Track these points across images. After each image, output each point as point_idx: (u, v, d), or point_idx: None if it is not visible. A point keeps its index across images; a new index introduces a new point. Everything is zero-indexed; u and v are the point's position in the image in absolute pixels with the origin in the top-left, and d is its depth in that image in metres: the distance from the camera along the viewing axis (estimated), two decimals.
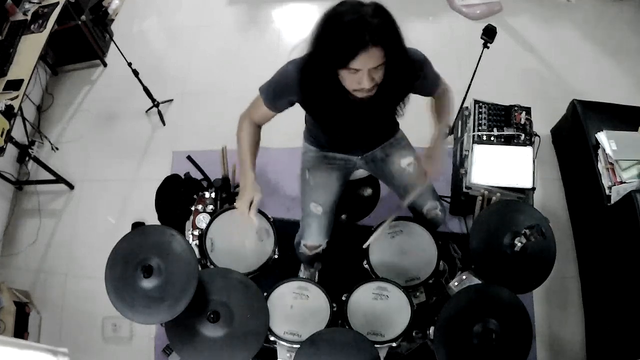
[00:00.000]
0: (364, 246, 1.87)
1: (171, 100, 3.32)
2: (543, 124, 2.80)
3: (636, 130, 2.41)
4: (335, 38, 1.31)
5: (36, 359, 1.52)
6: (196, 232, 2.02)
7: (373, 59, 1.31)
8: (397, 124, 1.98)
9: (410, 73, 1.52)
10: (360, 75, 1.35)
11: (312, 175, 1.96)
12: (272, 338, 1.70)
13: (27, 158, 3.06)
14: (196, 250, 1.95)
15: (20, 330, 2.45)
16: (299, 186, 2.02)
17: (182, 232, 2.04)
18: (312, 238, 1.96)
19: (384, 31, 1.29)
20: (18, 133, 2.99)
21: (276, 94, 1.61)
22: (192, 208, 2.08)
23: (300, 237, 2.02)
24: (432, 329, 1.60)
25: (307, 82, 1.49)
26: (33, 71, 2.71)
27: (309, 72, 1.46)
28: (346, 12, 1.29)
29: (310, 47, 1.41)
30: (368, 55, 1.29)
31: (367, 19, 1.27)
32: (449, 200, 2.66)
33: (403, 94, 1.61)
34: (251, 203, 1.55)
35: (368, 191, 2.32)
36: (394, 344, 1.68)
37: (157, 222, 2.43)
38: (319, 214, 1.92)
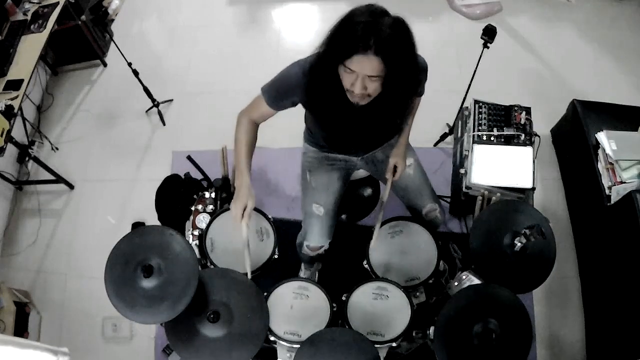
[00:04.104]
0: (371, 246, 1.86)
1: (171, 100, 3.32)
2: (543, 124, 2.80)
3: (636, 130, 2.41)
4: (342, 31, 1.29)
5: (37, 359, 1.51)
6: (196, 232, 2.02)
7: (370, 67, 1.28)
8: (400, 126, 1.97)
9: (415, 85, 1.52)
10: (354, 78, 1.33)
11: (313, 177, 1.96)
12: (272, 338, 1.70)
13: (27, 158, 3.06)
14: (196, 250, 1.95)
15: (20, 330, 2.45)
16: (300, 187, 2.02)
17: (182, 232, 2.04)
18: (315, 239, 1.97)
19: (391, 46, 1.26)
20: (18, 133, 2.99)
21: (279, 95, 1.60)
22: (192, 208, 2.08)
23: (302, 238, 2.02)
24: (432, 329, 1.60)
25: (313, 81, 1.47)
26: (33, 71, 2.71)
27: (315, 69, 1.44)
28: (364, 13, 1.28)
29: (321, 42, 1.39)
30: (366, 60, 1.27)
31: (381, 27, 1.25)
32: (449, 200, 2.66)
33: (405, 103, 1.61)
34: (244, 210, 1.56)
35: (368, 191, 2.32)
36: (394, 344, 1.68)
37: (157, 222, 2.42)
38: (321, 214, 1.92)
